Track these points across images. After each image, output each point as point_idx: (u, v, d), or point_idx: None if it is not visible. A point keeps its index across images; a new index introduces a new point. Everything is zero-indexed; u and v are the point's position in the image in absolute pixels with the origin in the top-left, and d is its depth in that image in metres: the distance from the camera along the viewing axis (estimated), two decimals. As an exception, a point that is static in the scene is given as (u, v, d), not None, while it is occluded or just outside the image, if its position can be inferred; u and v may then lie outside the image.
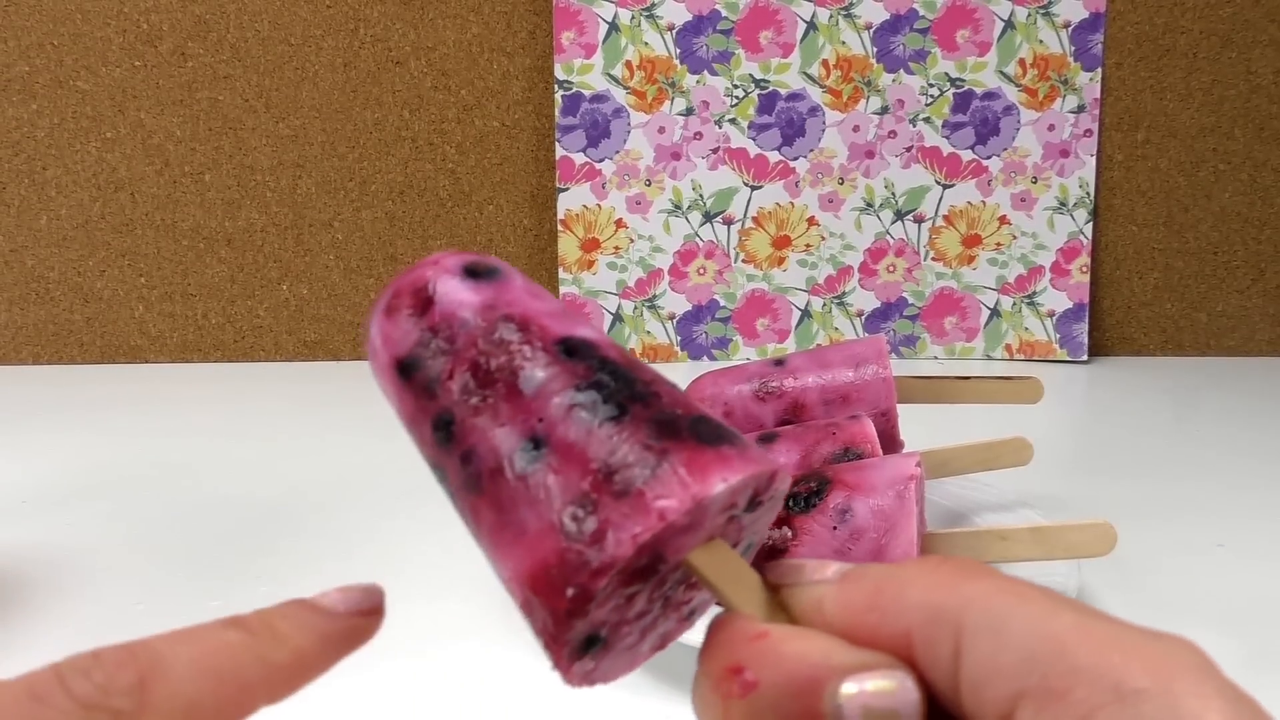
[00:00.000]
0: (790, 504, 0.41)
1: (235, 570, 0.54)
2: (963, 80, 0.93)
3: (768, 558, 0.39)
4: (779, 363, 0.53)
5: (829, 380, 0.52)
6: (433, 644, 0.46)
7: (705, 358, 0.95)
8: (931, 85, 0.93)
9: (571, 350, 0.22)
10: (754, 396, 0.51)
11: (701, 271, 0.94)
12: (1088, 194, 0.95)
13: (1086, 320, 0.96)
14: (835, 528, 0.41)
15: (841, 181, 0.94)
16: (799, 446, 0.47)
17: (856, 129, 0.93)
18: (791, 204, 0.94)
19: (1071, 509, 0.59)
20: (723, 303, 0.95)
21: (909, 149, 0.94)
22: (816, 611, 0.21)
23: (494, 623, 0.47)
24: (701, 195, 0.93)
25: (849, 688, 0.18)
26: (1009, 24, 0.92)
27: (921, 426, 0.56)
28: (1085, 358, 0.96)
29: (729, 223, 0.94)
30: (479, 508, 0.22)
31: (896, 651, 0.19)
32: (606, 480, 0.20)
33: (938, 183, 0.94)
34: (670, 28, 0.90)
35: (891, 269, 0.95)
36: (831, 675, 0.18)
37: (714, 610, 0.22)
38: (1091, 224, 0.95)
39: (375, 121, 0.92)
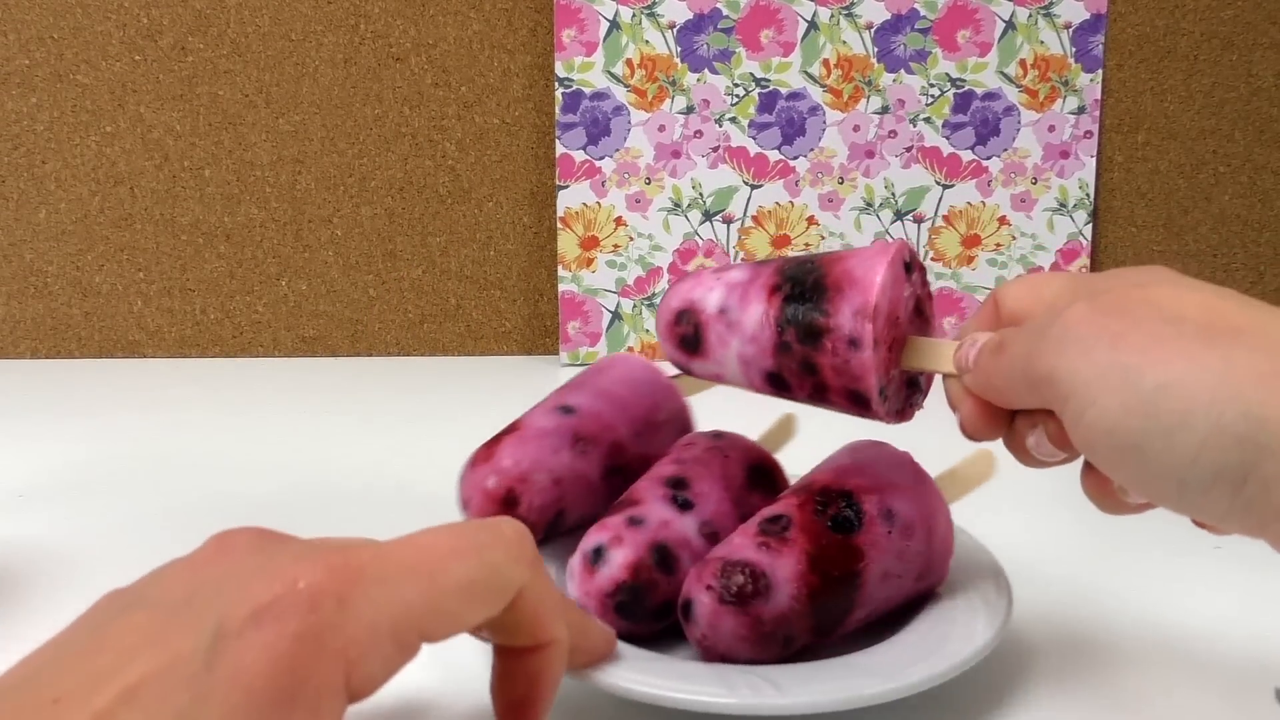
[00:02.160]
0: (841, 527, 0.41)
1: (232, 565, 0.54)
2: (963, 81, 0.93)
3: (841, 572, 0.40)
4: (567, 410, 0.48)
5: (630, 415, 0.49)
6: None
7: (704, 356, 0.95)
8: (932, 85, 0.92)
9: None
10: (575, 454, 0.47)
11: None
12: (1087, 195, 0.95)
13: (1085, 321, 0.96)
14: (890, 532, 0.42)
15: (841, 181, 0.94)
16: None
17: (857, 129, 0.93)
18: (791, 203, 0.94)
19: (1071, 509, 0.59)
20: (722, 301, 0.94)
21: (909, 149, 0.93)
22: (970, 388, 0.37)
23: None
24: (701, 194, 0.93)
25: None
26: (1010, 25, 0.92)
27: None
28: (1084, 359, 0.96)
29: (729, 221, 0.94)
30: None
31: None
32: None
33: (938, 183, 0.94)
34: (671, 26, 0.90)
35: (891, 269, 0.95)
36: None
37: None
38: (1091, 225, 0.95)
39: (375, 118, 0.92)
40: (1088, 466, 0.34)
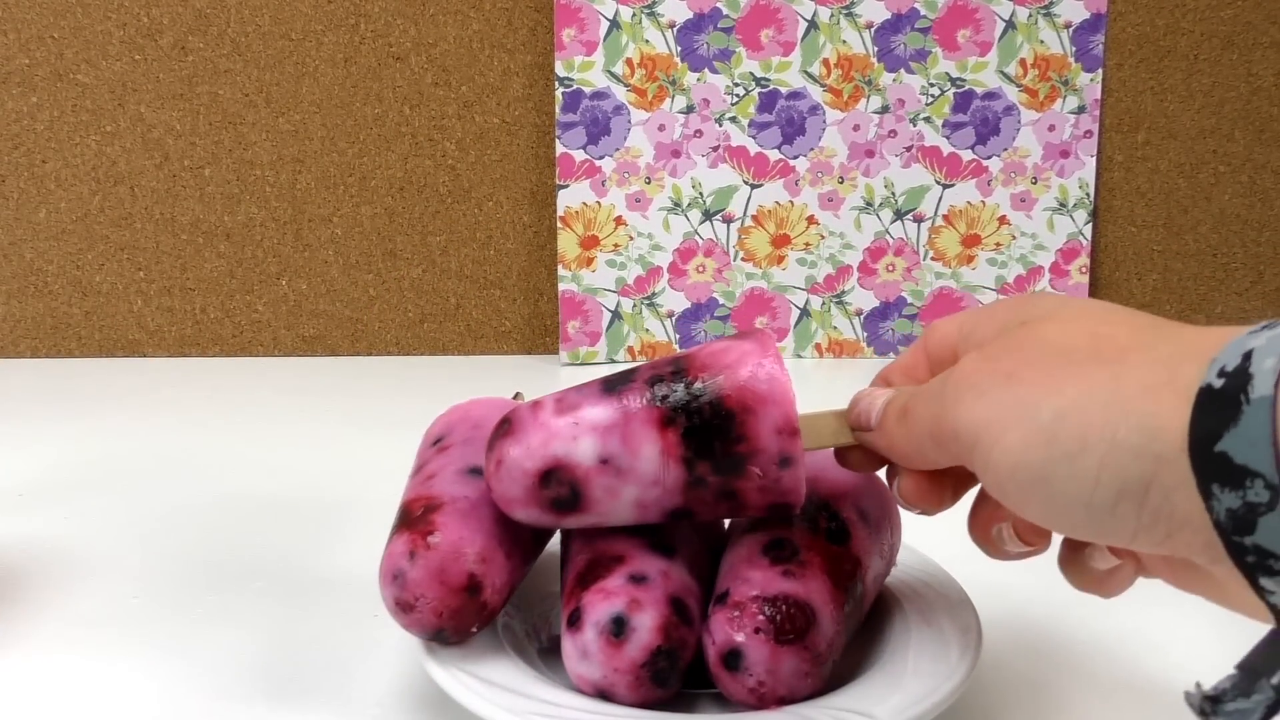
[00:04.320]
0: (836, 539, 0.40)
1: (231, 565, 0.54)
2: (963, 80, 0.93)
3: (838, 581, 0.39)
4: (479, 472, 0.42)
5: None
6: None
7: (704, 356, 0.95)
8: (932, 85, 0.92)
9: None
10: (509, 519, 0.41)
11: (701, 270, 0.94)
12: (1087, 195, 0.95)
13: (1085, 321, 0.96)
14: (868, 534, 0.41)
15: (841, 180, 0.94)
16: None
17: (857, 128, 0.93)
18: (791, 203, 0.94)
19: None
20: (722, 301, 0.95)
21: (909, 148, 0.93)
22: (871, 445, 0.37)
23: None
24: (701, 193, 0.93)
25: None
26: (1010, 24, 0.92)
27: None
28: (1084, 359, 0.96)
29: (728, 221, 0.94)
30: None
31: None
32: None
33: (938, 182, 0.94)
34: (671, 25, 0.90)
35: (891, 268, 0.95)
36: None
37: None
38: (1091, 225, 0.95)
39: (375, 117, 0.92)
40: (1064, 545, 0.35)
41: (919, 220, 0.95)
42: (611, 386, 0.38)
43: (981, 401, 0.30)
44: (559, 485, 0.38)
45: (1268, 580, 0.24)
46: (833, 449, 0.39)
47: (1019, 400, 0.29)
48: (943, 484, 0.36)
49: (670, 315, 0.94)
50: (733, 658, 0.37)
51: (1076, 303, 0.33)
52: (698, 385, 0.37)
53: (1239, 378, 0.24)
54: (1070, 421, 0.27)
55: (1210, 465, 0.24)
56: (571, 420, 0.38)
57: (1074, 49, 0.93)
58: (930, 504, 0.37)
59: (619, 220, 0.93)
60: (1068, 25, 0.92)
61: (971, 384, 0.31)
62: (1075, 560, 0.33)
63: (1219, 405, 0.24)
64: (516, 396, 0.51)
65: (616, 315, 0.94)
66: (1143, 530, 0.26)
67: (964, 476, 0.36)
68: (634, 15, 0.90)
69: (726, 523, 0.45)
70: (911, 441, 0.34)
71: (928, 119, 0.93)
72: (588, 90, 0.91)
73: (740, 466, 0.37)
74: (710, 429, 0.37)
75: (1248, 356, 0.24)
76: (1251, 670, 0.25)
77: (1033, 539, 0.35)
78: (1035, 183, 0.94)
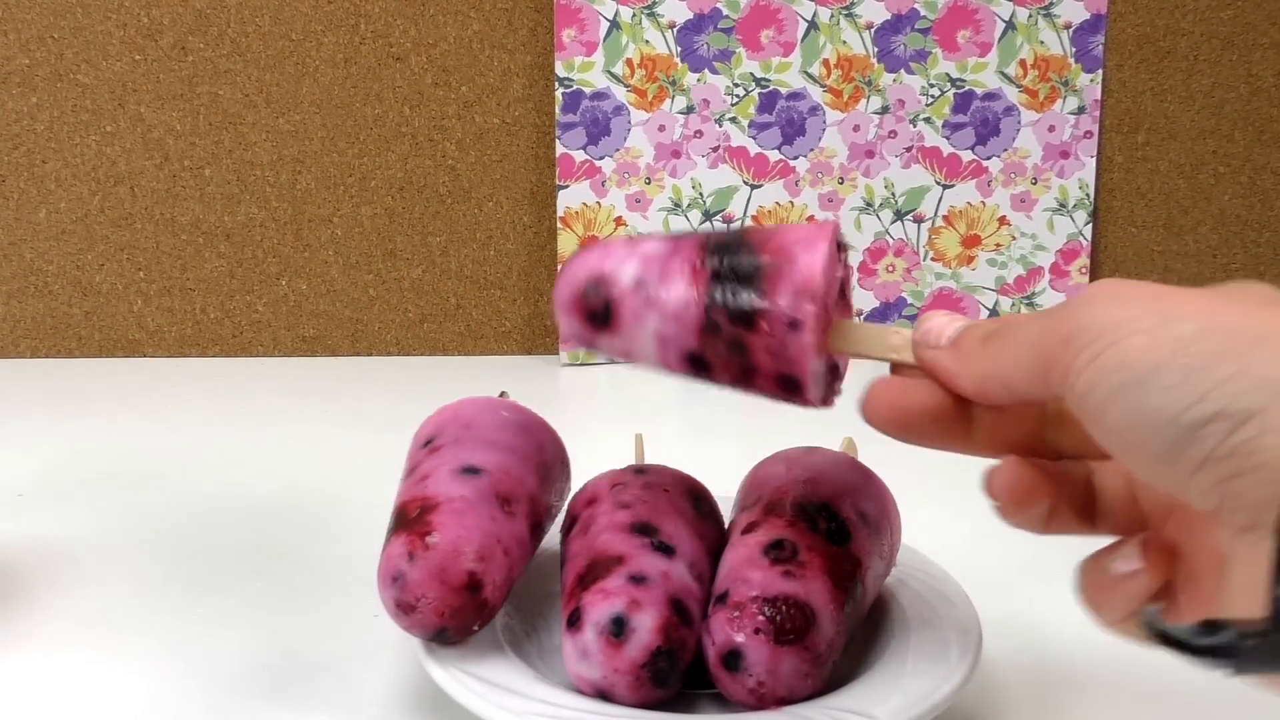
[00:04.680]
0: (836, 539, 0.40)
1: (231, 565, 0.54)
2: (963, 81, 0.93)
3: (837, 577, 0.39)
4: (474, 470, 0.43)
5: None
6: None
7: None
8: (932, 85, 0.93)
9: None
10: (507, 518, 0.42)
11: (701, 270, 0.94)
12: (1087, 195, 0.95)
13: (1085, 322, 0.96)
14: (868, 534, 0.41)
15: (841, 181, 0.94)
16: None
17: (857, 129, 0.93)
18: (791, 203, 0.94)
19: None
20: (722, 301, 0.94)
21: (909, 149, 0.94)
22: (946, 374, 0.33)
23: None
24: (701, 194, 0.93)
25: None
26: (1010, 25, 0.92)
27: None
28: (1084, 359, 0.96)
29: (728, 221, 0.94)
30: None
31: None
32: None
33: (938, 183, 0.94)
34: (671, 26, 0.90)
35: (891, 269, 0.95)
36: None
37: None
38: (1091, 225, 0.95)
39: (375, 117, 0.92)
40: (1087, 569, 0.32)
41: (919, 221, 0.95)
42: (679, 233, 0.39)
43: (1123, 307, 0.27)
44: (596, 297, 0.38)
45: None
46: (890, 366, 0.37)
47: (1165, 310, 0.26)
48: (1044, 474, 0.32)
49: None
50: (733, 658, 0.37)
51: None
52: (741, 239, 0.37)
53: None
54: (1211, 339, 0.25)
55: None
56: (627, 246, 0.39)
57: (1074, 49, 0.93)
58: (1031, 500, 0.32)
59: (619, 221, 0.93)
60: (1068, 26, 0.92)
61: (1112, 294, 0.28)
62: (1095, 563, 0.31)
63: None
64: (502, 394, 0.51)
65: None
66: (1213, 461, 0.24)
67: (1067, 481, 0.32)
68: (634, 16, 0.90)
69: (726, 523, 0.45)
70: (997, 360, 0.31)
71: (928, 119, 0.93)
72: (588, 91, 0.91)
73: (752, 318, 0.36)
74: (736, 275, 0.36)
75: None
76: (1215, 624, 0.24)
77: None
78: (1035, 183, 0.94)
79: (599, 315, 0.39)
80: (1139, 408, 0.26)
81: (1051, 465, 0.33)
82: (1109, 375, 0.26)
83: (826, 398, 0.38)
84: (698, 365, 0.38)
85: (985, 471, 0.32)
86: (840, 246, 0.38)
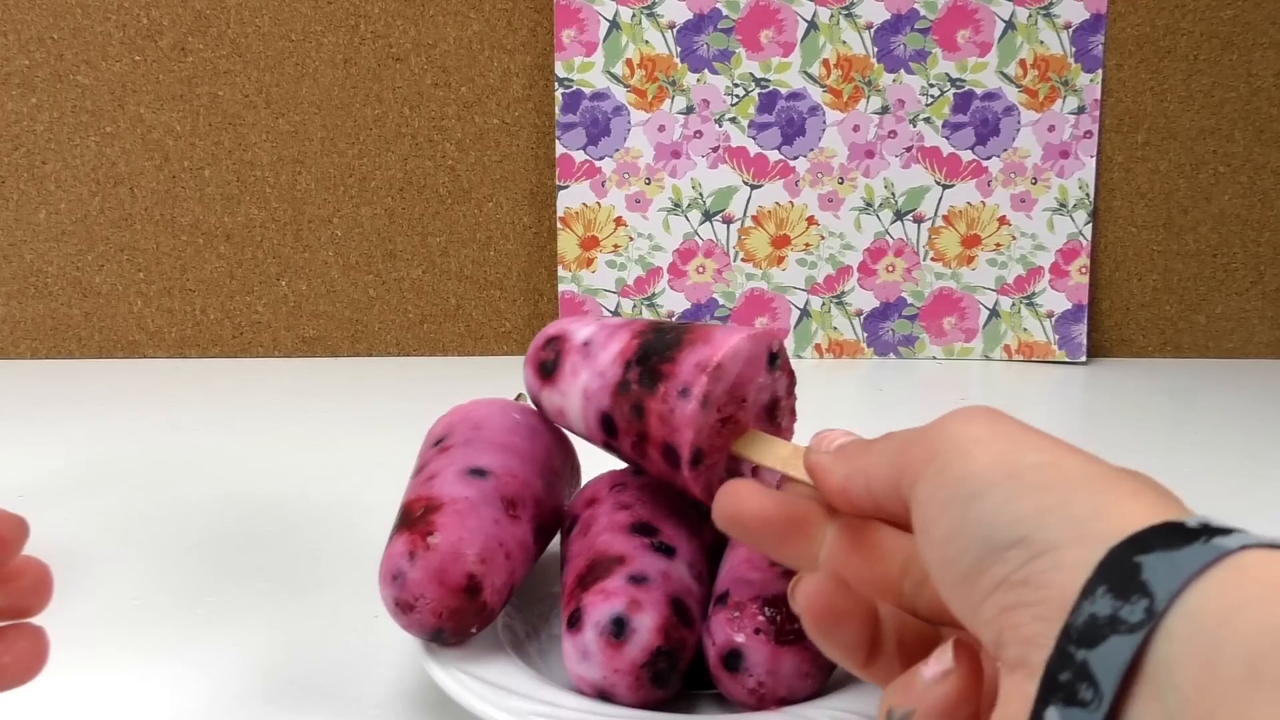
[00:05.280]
0: None
1: (232, 566, 0.54)
2: (963, 80, 0.93)
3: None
4: (480, 473, 0.43)
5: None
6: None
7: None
8: (932, 85, 0.92)
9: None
10: (511, 521, 0.42)
11: (701, 270, 0.94)
12: (1087, 195, 0.95)
13: (1085, 322, 0.96)
14: None
15: (841, 181, 0.94)
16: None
17: (856, 129, 0.93)
18: (791, 203, 0.94)
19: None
20: (722, 301, 0.95)
21: (909, 149, 0.94)
22: (820, 471, 0.32)
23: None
24: (701, 194, 0.93)
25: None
26: (1010, 24, 0.92)
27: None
28: (1084, 359, 0.96)
29: (728, 221, 0.94)
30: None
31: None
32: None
33: (937, 183, 0.94)
34: (671, 26, 0.90)
35: (891, 269, 0.95)
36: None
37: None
38: (1091, 225, 0.95)
39: (375, 118, 0.92)
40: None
41: (919, 221, 0.95)
42: (641, 319, 0.43)
43: (983, 426, 0.28)
44: (550, 350, 0.42)
45: (1054, 711, 0.22)
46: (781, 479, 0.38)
47: (1019, 440, 0.27)
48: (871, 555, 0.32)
49: (670, 316, 0.94)
50: (733, 658, 0.37)
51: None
52: (684, 326, 0.40)
53: (1214, 530, 0.22)
54: (1047, 473, 0.26)
55: (1115, 567, 0.22)
56: (599, 318, 0.42)
57: (1074, 49, 0.93)
58: (834, 621, 0.30)
59: (619, 221, 0.93)
60: (1067, 26, 0.92)
61: (986, 417, 0.28)
62: (907, 674, 0.29)
63: (1175, 534, 0.22)
64: (519, 397, 0.51)
65: (616, 316, 0.94)
66: (1005, 586, 0.24)
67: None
68: (634, 16, 0.90)
69: None
70: (865, 459, 0.31)
71: (928, 119, 0.93)
72: (588, 91, 0.91)
73: (655, 383, 0.39)
74: (660, 346, 0.39)
75: (1238, 532, 0.22)
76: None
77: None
78: (1035, 183, 0.94)
79: (547, 366, 0.42)
80: (962, 521, 0.26)
81: (893, 611, 0.31)
82: (946, 486, 0.27)
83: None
84: (608, 429, 0.40)
85: (793, 581, 0.31)
86: (775, 359, 0.39)
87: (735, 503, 0.33)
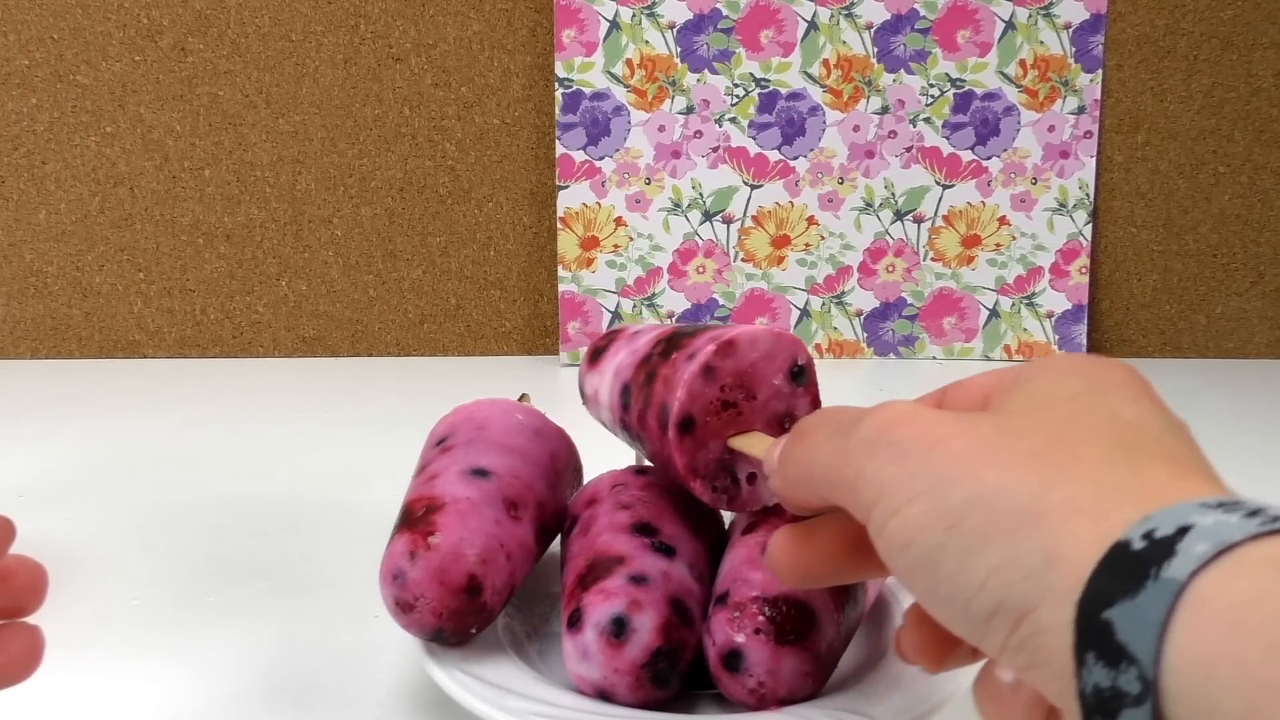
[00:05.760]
0: None
1: (232, 566, 0.54)
2: (963, 81, 0.93)
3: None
4: (482, 473, 0.43)
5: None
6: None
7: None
8: (932, 85, 0.92)
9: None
10: (512, 522, 0.42)
11: (701, 270, 0.94)
12: (1087, 195, 0.95)
13: (1085, 322, 0.96)
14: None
15: (841, 181, 0.94)
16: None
17: (856, 129, 0.93)
18: (791, 203, 0.94)
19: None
20: (722, 302, 0.95)
21: (909, 149, 0.94)
22: (774, 491, 0.32)
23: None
24: (701, 194, 0.93)
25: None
26: (1010, 25, 0.92)
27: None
28: (1084, 359, 0.96)
29: (728, 221, 0.94)
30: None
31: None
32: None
33: (937, 183, 0.94)
34: (671, 26, 0.90)
35: (891, 269, 0.95)
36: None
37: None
38: (1091, 225, 0.95)
39: (375, 118, 0.92)
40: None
41: (919, 221, 0.95)
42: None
43: (896, 462, 0.26)
44: (607, 339, 0.45)
45: None
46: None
47: (935, 473, 0.25)
48: (817, 555, 0.32)
49: (670, 316, 0.94)
50: (733, 658, 0.37)
51: (1100, 382, 0.28)
52: (695, 334, 0.40)
53: (1161, 549, 0.21)
54: (979, 513, 0.24)
55: (1091, 630, 0.21)
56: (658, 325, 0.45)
57: (1074, 49, 0.93)
58: (792, 572, 0.32)
59: (619, 221, 0.93)
60: (1067, 26, 0.92)
61: (893, 439, 0.27)
62: (984, 681, 0.29)
63: (1125, 570, 0.21)
64: (522, 398, 0.51)
65: (617, 316, 0.94)
66: (1009, 651, 0.24)
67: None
68: (634, 16, 0.90)
69: (727, 523, 0.45)
70: (800, 467, 0.30)
71: (928, 119, 0.93)
72: (588, 91, 0.91)
73: (670, 353, 0.39)
74: (691, 331, 0.40)
75: (1183, 531, 0.21)
76: None
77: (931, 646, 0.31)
78: (1035, 183, 0.94)
79: (598, 352, 0.44)
80: (934, 592, 0.25)
81: None
82: (900, 552, 0.26)
83: (704, 480, 0.39)
84: (625, 399, 0.41)
85: (895, 634, 0.31)
86: (798, 371, 0.39)
87: (796, 551, 0.32)
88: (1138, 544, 0.21)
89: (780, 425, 0.39)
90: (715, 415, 0.38)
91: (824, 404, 0.40)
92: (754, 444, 0.38)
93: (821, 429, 0.30)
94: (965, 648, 0.30)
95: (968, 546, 0.24)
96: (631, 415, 0.40)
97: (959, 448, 0.26)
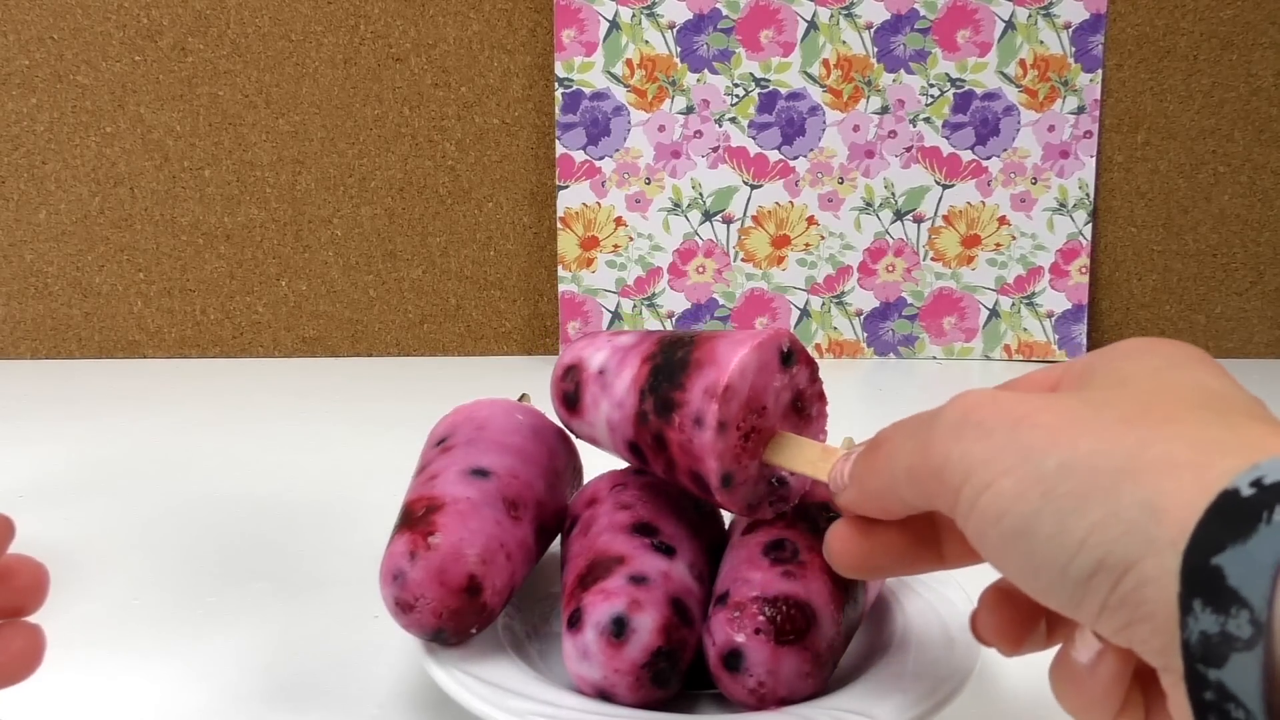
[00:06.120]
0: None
1: (231, 566, 0.54)
2: (963, 80, 0.93)
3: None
4: (482, 473, 0.43)
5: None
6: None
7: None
8: (932, 85, 0.93)
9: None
10: (513, 522, 0.42)
11: (701, 270, 0.94)
12: (1087, 195, 0.95)
13: (1085, 321, 0.96)
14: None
15: (841, 181, 0.94)
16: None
17: (856, 129, 0.93)
18: (791, 203, 0.94)
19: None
20: (722, 301, 0.95)
21: (909, 149, 0.94)
22: (845, 506, 0.34)
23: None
24: (701, 194, 0.93)
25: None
26: (1009, 24, 0.92)
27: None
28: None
29: (728, 221, 0.94)
30: None
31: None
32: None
33: (937, 183, 0.94)
34: (671, 26, 0.90)
35: (891, 269, 0.95)
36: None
37: None
38: (1091, 225, 0.95)
39: (375, 118, 0.92)
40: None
41: (919, 221, 0.95)
42: (655, 331, 0.42)
43: (983, 441, 0.27)
44: (569, 381, 0.42)
45: None
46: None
47: (1025, 445, 0.26)
48: (879, 547, 0.33)
49: (670, 316, 0.94)
50: (733, 658, 0.37)
51: (1179, 358, 0.29)
52: (687, 339, 0.39)
53: (1271, 494, 0.21)
54: (1075, 476, 0.24)
55: (1199, 576, 0.22)
56: (609, 338, 0.42)
57: (1074, 49, 0.93)
58: (857, 565, 0.33)
59: (619, 221, 0.93)
60: (1067, 26, 0.92)
61: (977, 419, 0.27)
62: (1060, 664, 0.29)
63: (1235, 516, 0.21)
64: (522, 398, 0.51)
65: (617, 316, 0.94)
66: (1108, 610, 0.24)
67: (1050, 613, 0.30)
68: (634, 16, 0.90)
69: (727, 523, 0.45)
70: (880, 476, 0.30)
71: (927, 119, 0.93)
72: (587, 91, 0.91)
73: (670, 413, 0.38)
74: (667, 371, 0.39)
75: None
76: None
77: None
78: (1035, 183, 0.94)
79: (570, 398, 0.42)
80: (1030, 561, 0.25)
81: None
82: (993, 525, 0.26)
83: (757, 507, 0.39)
84: (638, 455, 0.40)
85: (970, 617, 0.32)
86: (790, 356, 0.38)
87: (856, 544, 0.33)
88: (1246, 490, 0.22)
89: (795, 410, 0.39)
90: (743, 451, 0.38)
91: (822, 390, 0.40)
92: (794, 456, 0.38)
93: (899, 434, 0.30)
94: (1042, 630, 0.31)
95: (1064, 509, 0.24)
96: (655, 468, 0.40)
97: (1046, 420, 0.26)
